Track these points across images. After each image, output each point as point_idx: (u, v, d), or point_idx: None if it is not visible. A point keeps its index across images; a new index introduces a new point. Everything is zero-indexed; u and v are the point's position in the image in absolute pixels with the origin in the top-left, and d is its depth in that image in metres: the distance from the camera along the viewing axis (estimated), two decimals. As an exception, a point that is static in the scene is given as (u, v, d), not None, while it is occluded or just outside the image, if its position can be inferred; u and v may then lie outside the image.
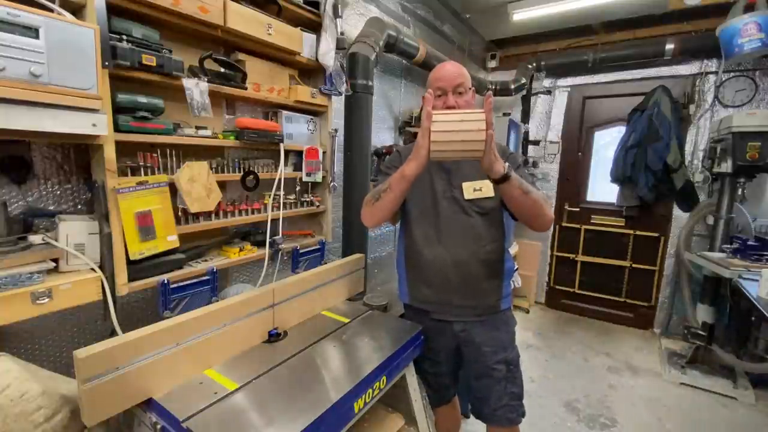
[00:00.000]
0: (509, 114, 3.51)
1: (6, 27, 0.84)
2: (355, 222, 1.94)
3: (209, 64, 1.37)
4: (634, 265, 3.55)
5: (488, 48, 4.01)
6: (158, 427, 0.87)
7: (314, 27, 1.71)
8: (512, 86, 3.49)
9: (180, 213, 1.35)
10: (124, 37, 1.11)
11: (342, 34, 1.79)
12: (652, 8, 2.96)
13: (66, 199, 1.20)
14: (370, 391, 1.07)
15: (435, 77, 1.26)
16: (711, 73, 3.07)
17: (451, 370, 1.48)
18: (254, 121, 1.54)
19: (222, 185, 1.45)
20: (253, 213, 1.60)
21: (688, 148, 3.18)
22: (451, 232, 1.29)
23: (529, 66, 3.60)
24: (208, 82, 1.33)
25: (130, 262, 1.17)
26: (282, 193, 1.67)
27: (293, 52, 1.60)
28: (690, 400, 2.49)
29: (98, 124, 1.00)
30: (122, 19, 1.12)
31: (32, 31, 0.87)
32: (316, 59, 1.71)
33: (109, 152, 1.08)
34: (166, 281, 1.26)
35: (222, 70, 1.42)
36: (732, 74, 2.99)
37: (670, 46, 3.01)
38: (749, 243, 2.44)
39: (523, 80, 3.52)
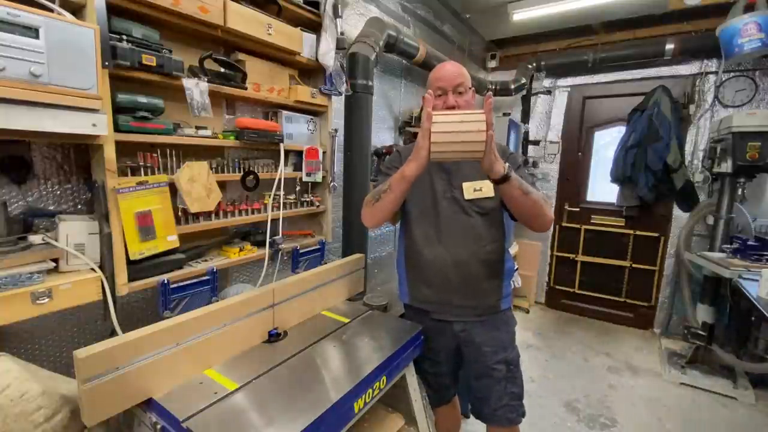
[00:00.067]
0: (509, 114, 3.51)
1: (6, 27, 0.84)
2: (355, 222, 1.94)
3: (209, 64, 1.37)
4: (634, 265, 3.55)
5: (488, 48, 4.01)
6: (158, 427, 0.87)
7: (314, 27, 1.71)
8: (512, 86, 3.49)
9: (180, 213, 1.35)
10: (124, 37, 1.11)
11: (342, 34, 1.79)
12: (652, 8, 2.96)
13: (66, 199, 1.20)
14: (370, 391, 1.07)
15: (435, 77, 1.26)
16: (711, 73, 3.07)
17: (451, 370, 1.48)
18: (254, 121, 1.54)
19: (222, 185, 1.45)
20: (253, 213, 1.60)
21: (688, 148, 3.18)
22: (451, 232, 1.29)
23: (529, 66, 3.60)
24: (208, 82, 1.33)
25: (130, 262, 1.17)
26: (282, 193, 1.67)
27: (293, 52, 1.60)
28: (690, 400, 2.49)
29: (98, 124, 1.00)
30: (122, 19, 1.12)
31: (32, 31, 0.87)
32: (316, 59, 1.71)
33: (109, 152, 1.08)
34: (166, 281, 1.26)
35: (222, 70, 1.42)
36: (732, 74, 2.99)
37: (670, 46, 3.01)
38: (749, 243, 2.44)
39: (523, 80, 3.52)
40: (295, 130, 1.72)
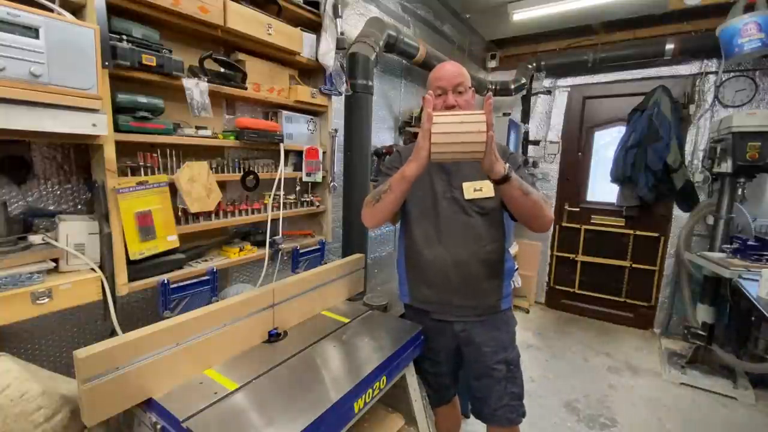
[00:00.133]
0: (509, 114, 3.51)
1: (6, 27, 0.84)
2: (355, 222, 1.94)
3: (209, 64, 1.37)
4: (634, 265, 3.55)
5: (488, 48, 4.01)
6: (158, 427, 0.87)
7: (314, 27, 1.71)
8: (512, 86, 3.49)
9: (180, 213, 1.35)
10: (124, 37, 1.10)
11: (342, 34, 1.79)
12: (652, 8, 2.96)
13: (66, 199, 1.20)
14: (370, 391, 1.07)
15: (435, 77, 1.26)
16: (711, 73, 3.07)
17: (451, 370, 1.48)
18: (254, 121, 1.54)
19: (222, 185, 1.45)
20: (253, 213, 1.59)
21: (688, 148, 3.18)
22: (452, 232, 1.29)
23: (529, 66, 3.60)
24: (208, 82, 1.33)
25: (130, 262, 1.17)
26: (282, 193, 1.67)
27: (293, 52, 1.60)
28: (690, 400, 2.49)
29: (98, 124, 1.00)
30: (122, 19, 1.12)
31: (32, 31, 0.87)
32: (316, 59, 1.71)
33: (109, 152, 1.08)
34: (166, 281, 1.26)
35: (222, 70, 1.42)
36: (732, 74, 2.99)
37: (670, 46, 3.01)
38: (749, 243, 2.44)
39: (523, 80, 3.52)
40: (295, 130, 1.72)
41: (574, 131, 3.75)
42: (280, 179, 1.64)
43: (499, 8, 3.07)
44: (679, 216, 3.26)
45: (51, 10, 0.95)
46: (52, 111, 0.92)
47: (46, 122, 0.91)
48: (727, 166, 2.57)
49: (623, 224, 3.56)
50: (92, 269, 1.09)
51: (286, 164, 1.68)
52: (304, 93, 1.68)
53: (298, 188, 1.80)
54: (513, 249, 3.61)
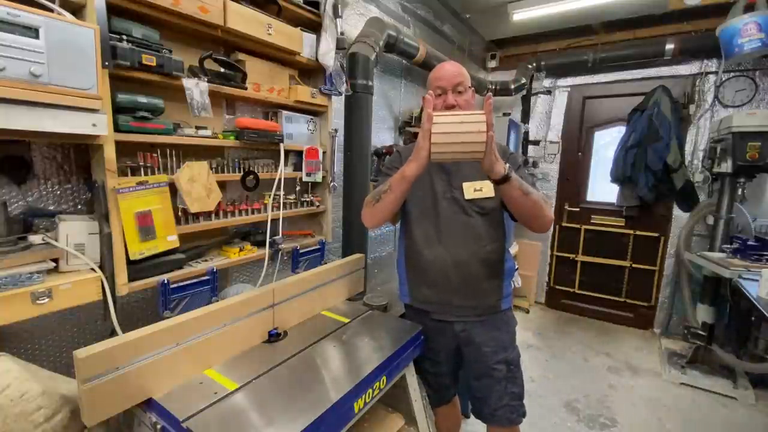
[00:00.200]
0: (509, 114, 3.51)
1: (6, 27, 0.84)
2: (355, 222, 1.94)
3: (209, 64, 1.37)
4: (634, 265, 3.55)
5: (488, 48, 4.01)
6: (158, 427, 0.87)
7: (314, 27, 1.71)
8: (512, 86, 3.49)
9: (180, 213, 1.35)
10: (124, 37, 1.11)
11: (342, 34, 1.79)
12: (652, 8, 2.96)
13: (66, 199, 1.20)
14: (370, 391, 1.07)
15: (435, 77, 1.27)
16: (711, 73, 3.07)
17: (451, 370, 1.48)
18: (254, 121, 1.54)
19: (222, 185, 1.45)
20: (253, 213, 1.59)
21: (688, 148, 3.18)
22: (452, 233, 1.29)
23: (529, 66, 3.60)
24: (208, 82, 1.33)
25: (130, 262, 1.17)
26: (282, 193, 1.67)
27: (293, 52, 1.60)
28: (690, 400, 2.49)
29: (98, 124, 1.00)
30: (122, 19, 1.12)
31: (32, 31, 0.87)
32: (316, 59, 1.71)
33: (109, 152, 1.08)
34: (166, 281, 1.26)
35: (222, 70, 1.42)
36: (732, 74, 2.99)
37: (670, 46, 3.01)
38: (749, 243, 2.44)
39: (523, 80, 3.52)
40: (295, 130, 1.72)
41: (574, 131, 3.75)
42: (280, 179, 1.64)
43: (499, 8, 3.07)
44: (679, 216, 3.26)
45: (51, 10, 0.95)
46: (52, 111, 0.92)
47: (46, 122, 0.91)
48: (727, 166, 2.57)
49: (623, 224, 3.56)
50: (92, 269, 1.09)
51: (286, 164, 1.68)
52: (304, 93, 1.68)
53: (298, 188, 1.80)
54: (513, 249, 3.61)
